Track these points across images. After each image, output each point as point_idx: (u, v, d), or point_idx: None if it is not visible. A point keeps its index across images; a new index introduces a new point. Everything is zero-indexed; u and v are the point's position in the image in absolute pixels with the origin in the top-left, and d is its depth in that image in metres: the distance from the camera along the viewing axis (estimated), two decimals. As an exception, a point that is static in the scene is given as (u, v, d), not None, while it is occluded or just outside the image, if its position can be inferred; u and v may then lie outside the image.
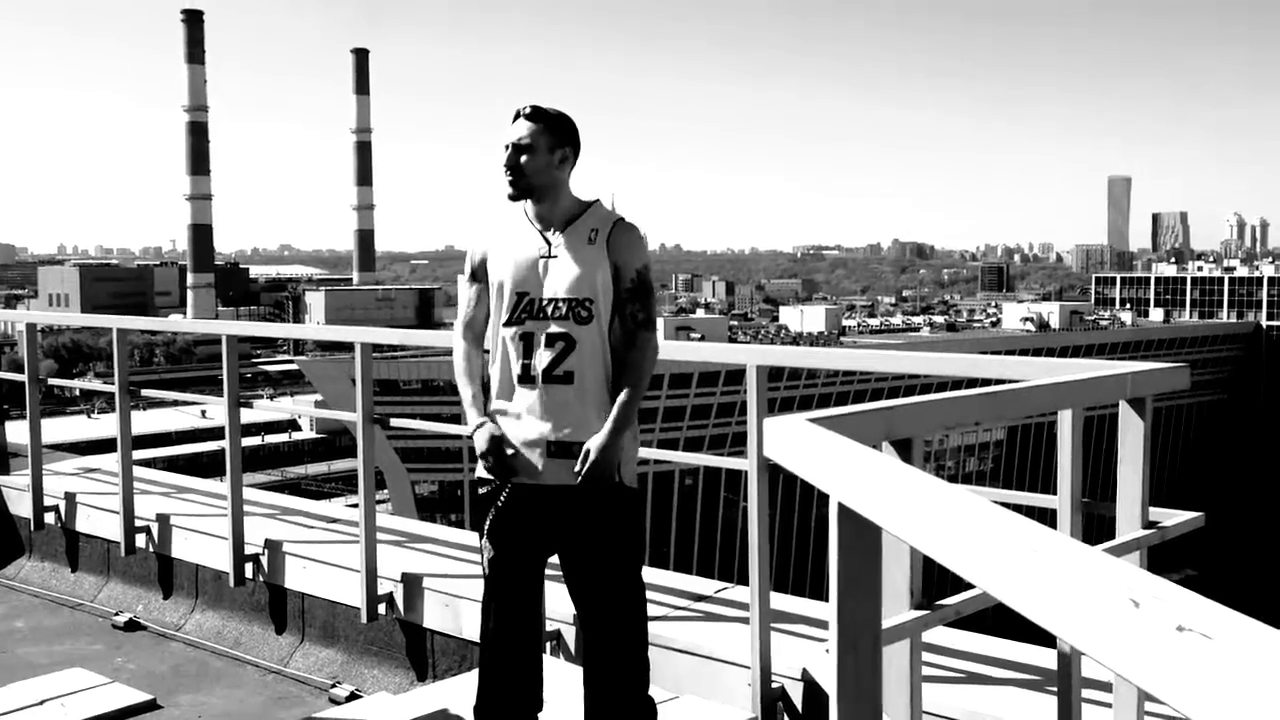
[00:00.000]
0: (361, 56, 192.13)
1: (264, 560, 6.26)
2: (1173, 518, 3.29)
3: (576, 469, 3.62)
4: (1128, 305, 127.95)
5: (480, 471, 3.83)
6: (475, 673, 4.68)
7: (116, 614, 6.74)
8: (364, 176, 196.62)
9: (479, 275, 3.82)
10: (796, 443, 2.00)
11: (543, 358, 3.65)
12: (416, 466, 73.45)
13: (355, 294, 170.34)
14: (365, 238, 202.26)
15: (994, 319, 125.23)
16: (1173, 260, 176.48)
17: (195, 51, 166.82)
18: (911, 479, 1.61)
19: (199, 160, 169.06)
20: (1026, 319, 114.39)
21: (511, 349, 3.69)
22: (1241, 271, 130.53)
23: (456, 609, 5.36)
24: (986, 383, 3.37)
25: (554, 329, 3.65)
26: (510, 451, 3.69)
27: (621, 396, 3.67)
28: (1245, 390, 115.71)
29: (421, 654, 5.55)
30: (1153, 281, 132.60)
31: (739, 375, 4.35)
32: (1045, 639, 3.83)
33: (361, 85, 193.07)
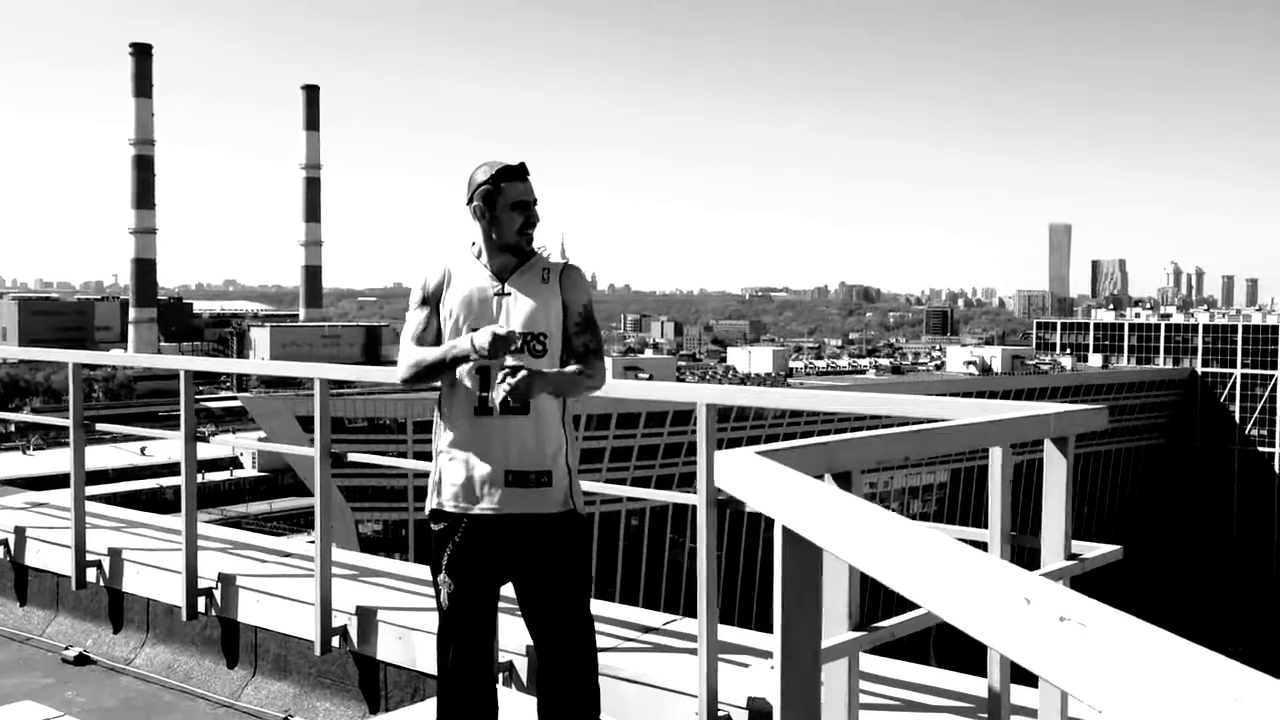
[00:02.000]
0: (312, 93, 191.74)
1: (217, 594, 6.32)
2: (1093, 550, 3.51)
3: (504, 384, 3.70)
4: (1068, 350, 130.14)
5: (434, 503, 3.94)
6: (431, 703, 4.79)
7: (66, 648, 6.75)
8: (312, 213, 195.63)
9: (430, 301, 3.95)
10: (745, 473, 2.18)
11: (500, 390, 3.82)
12: (361, 505, 72.84)
13: (301, 330, 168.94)
14: (312, 274, 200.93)
15: (938, 362, 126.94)
16: (1111, 306, 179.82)
17: (143, 85, 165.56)
18: (848, 503, 1.79)
19: (144, 194, 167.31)
20: (970, 362, 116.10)
21: (468, 381, 3.84)
22: (1178, 318, 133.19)
23: (410, 641, 5.46)
24: (925, 422, 3.57)
25: (510, 361, 3.80)
26: (504, 334, 3.74)
27: (571, 371, 3.86)
28: (1182, 435, 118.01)
29: (374, 686, 5.63)
30: (1092, 327, 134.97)
31: (686, 415, 4.55)
32: (979, 669, 4.03)
33: (312, 121, 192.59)
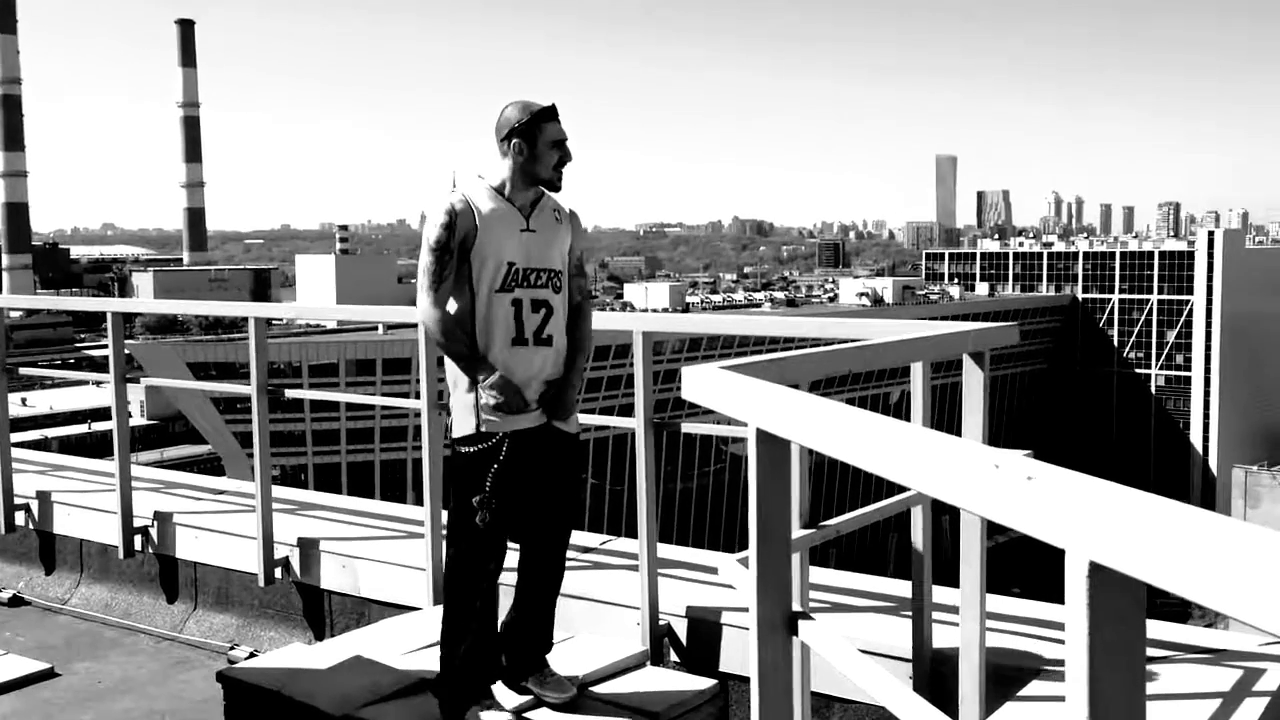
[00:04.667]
0: (187, 28, 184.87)
1: (154, 532, 6.39)
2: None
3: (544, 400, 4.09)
4: (955, 280, 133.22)
5: (470, 427, 4.04)
6: (377, 626, 5.01)
7: (-1, 591, 6.76)
8: (193, 152, 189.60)
9: (457, 244, 4.01)
10: (712, 384, 2.42)
11: (531, 321, 4.06)
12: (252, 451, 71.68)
13: (186, 275, 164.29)
14: (195, 216, 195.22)
15: (831, 294, 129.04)
16: (996, 236, 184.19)
17: (7, 21, 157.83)
18: (813, 402, 2.04)
19: (12, 136, 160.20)
20: (862, 294, 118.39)
21: (502, 313, 4.04)
22: (1059, 247, 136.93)
23: (353, 569, 5.63)
24: (853, 342, 3.85)
25: (537, 296, 4.08)
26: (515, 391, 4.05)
27: (576, 361, 4.20)
28: (1064, 359, 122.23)
29: (319, 614, 5.80)
30: (978, 257, 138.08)
31: (605, 352, 4.75)
32: (903, 574, 4.36)
33: (188, 57, 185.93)
